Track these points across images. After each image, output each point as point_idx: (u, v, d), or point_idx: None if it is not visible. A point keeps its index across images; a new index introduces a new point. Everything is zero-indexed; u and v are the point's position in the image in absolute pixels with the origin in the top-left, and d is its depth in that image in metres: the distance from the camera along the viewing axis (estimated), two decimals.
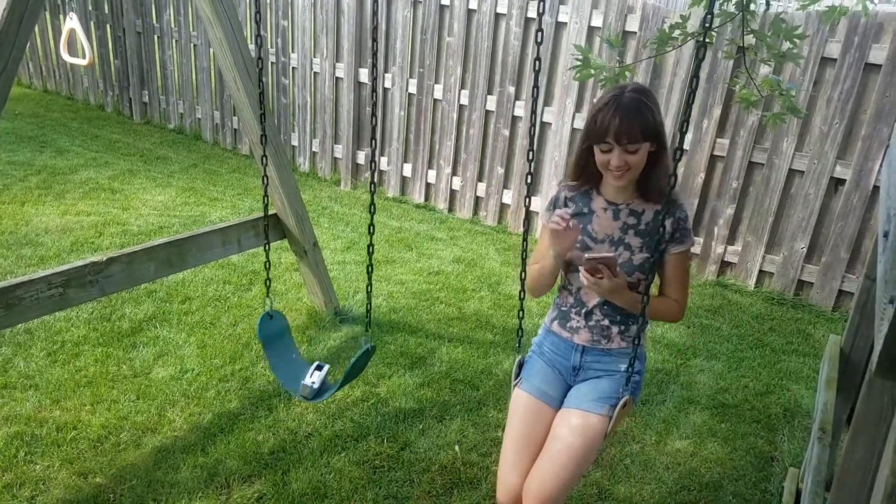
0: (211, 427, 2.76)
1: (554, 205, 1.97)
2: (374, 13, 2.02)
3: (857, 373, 2.26)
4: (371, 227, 2.22)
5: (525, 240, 1.98)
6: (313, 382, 2.50)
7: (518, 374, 2.06)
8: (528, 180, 1.96)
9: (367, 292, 2.35)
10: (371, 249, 2.24)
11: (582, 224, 1.90)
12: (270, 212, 3.39)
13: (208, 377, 3.06)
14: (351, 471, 2.59)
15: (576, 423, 1.84)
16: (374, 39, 2.06)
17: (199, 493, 2.42)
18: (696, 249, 4.62)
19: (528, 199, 1.95)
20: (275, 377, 2.79)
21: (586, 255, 1.75)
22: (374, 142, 2.15)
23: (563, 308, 2.02)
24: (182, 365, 3.13)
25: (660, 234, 1.69)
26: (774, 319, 4.15)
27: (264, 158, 2.59)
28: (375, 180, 2.22)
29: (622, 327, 1.93)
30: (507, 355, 3.44)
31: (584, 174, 1.90)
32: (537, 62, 1.80)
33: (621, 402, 1.81)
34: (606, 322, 1.93)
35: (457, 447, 2.77)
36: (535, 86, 1.86)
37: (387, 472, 2.61)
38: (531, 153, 1.96)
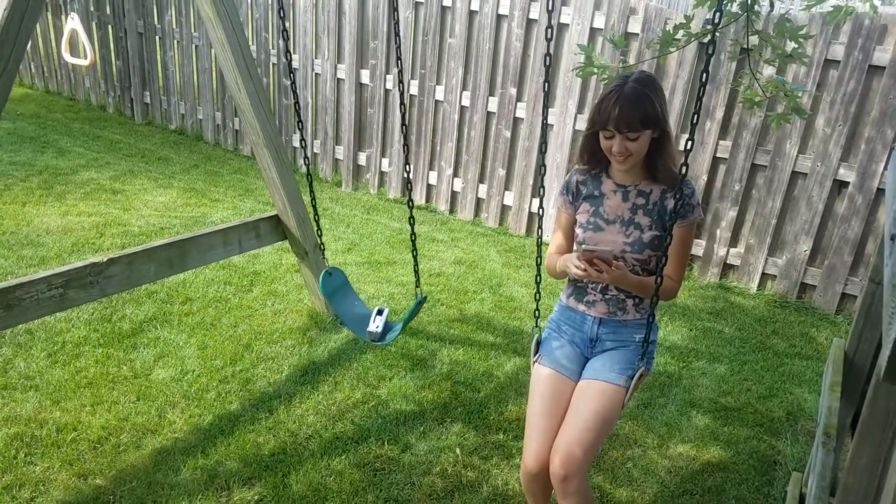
0: (211, 429, 2.75)
1: (566, 188, 2.11)
2: (394, 9, 2.08)
3: (861, 377, 2.24)
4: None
5: (540, 229, 2.17)
6: (377, 326, 2.78)
7: (537, 351, 2.16)
8: (543, 171, 2.11)
9: (413, 254, 2.82)
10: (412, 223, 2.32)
11: (593, 206, 2.03)
12: (271, 213, 3.39)
13: (209, 378, 3.05)
14: (351, 473, 2.58)
15: (595, 393, 1.95)
16: (397, 34, 2.07)
17: (200, 495, 2.41)
18: (699, 251, 4.60)
19: (541, 197, 2.13)
20: (343, 326, 3.19)
21: (584, 246, 1.89)
22: (404, 132, 2.19)
23: (579, 284, 2.11)
24: (182, 366, 3.11)
25: (668, 215, 1.85)
26: (777, 322, 4.13)
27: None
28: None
29: (636, 300, 2.04)
30: (508, 357, 3.43)
31: (593, 158, 2.02)
32: (547, 57, 1.96)
33: (638, 373, 1.96)
34: (622, 295, 2.04)
35: (458, 450, 2.75)
36: (546, 80, 2.01)
37: (387, 475, 2.59)
38: (543, 154, 2.12)
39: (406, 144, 2.37)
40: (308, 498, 2.45)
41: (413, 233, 2.80)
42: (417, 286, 2.88)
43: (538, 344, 2.18)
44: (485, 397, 3.10)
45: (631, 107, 1.81)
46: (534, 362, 2.13)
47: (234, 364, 3.17)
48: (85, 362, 3.08)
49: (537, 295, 2.29)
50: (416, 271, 2.88)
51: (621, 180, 2.01)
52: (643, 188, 1.99)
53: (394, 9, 2.23)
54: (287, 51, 2.52)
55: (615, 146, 1.88)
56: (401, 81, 2.18)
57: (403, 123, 2.39)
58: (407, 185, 2.43)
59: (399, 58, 2.18)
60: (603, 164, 2.03)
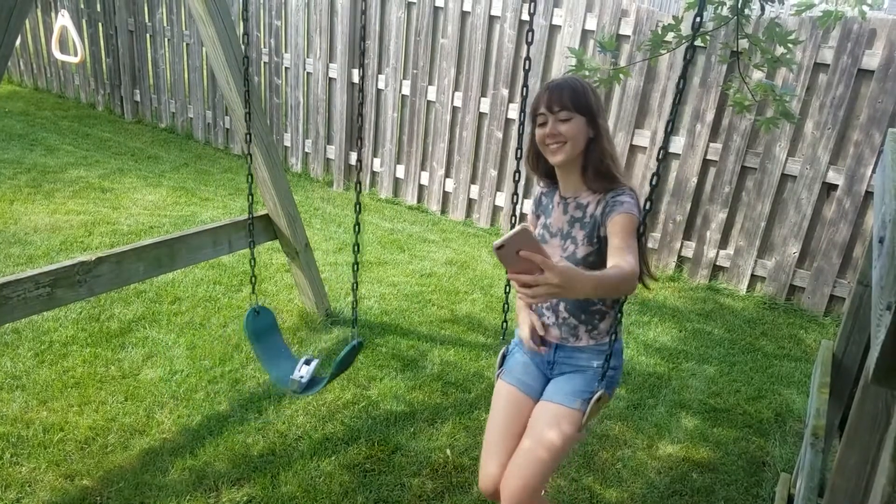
0: (200, 429, 2.73)
1: (533, 201, 2.07)
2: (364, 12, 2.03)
3: (849, 378, 2.26)
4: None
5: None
6: (302, 377, 2.53)
7: (501, 365, 2.11)
8: (517, 177, 2.01)
9: (353, 290, 2.44)
10: (357, 249, 2.26)
11: (545, 219, 1.97)
12: (262, 212, 3.37)
13: (197, 379, 3.03)
14: (341, 474, 2.57)
15: (550, 417, 1.88)
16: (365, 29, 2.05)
17: (188, 496, 2.39)
18: (689, 253, 4.62)
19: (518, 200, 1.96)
20: (265, 373, 2.82)
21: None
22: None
23: (543, 304, 2.01)
24: (171, 366, 3.10)
25: (593, 220, 1.79)
26: (766, 324, 4.15)
27: (248, 136, 2.57)
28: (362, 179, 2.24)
29: (588, 326, 1.92)
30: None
31: (539, 169, 1.97)
32: (527, 62, 1.89)
33: (595, 396, 1.84)
34: (573, 321, 1.93)
35: (448, 450, 2.75)
36: (525, 84, 1.92)
37: (377, 476, 2.59)
38: (518, 160, 2.02)
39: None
40: (297, 499, 2.43)
41: (356, 262, 2.43)
42: (354, 326, 2.55)
43: (503, 357, 2.12)
44: (475, 398, 3.10)
45: (561, 87, 1.79)
46: (497, 376, 2.08)
47: (224, 364, 3.16)
48: (72, 362, 3.05)
49: (505, 306, 2.21)
50: (355, 307, 2.51)
51: (564, 192, 1.92)
52: (581, 200, 1.87)
53: (362, 11, 2.16)
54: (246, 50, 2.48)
55: (548, 129, 1.80)
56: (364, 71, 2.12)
57: (360, 114, 2.19)
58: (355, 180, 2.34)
59: (363, 52, 2.10)
60: (554, 176, 1.96)
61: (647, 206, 1.66)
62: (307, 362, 2.58)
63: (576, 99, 1.78)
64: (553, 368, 2.00)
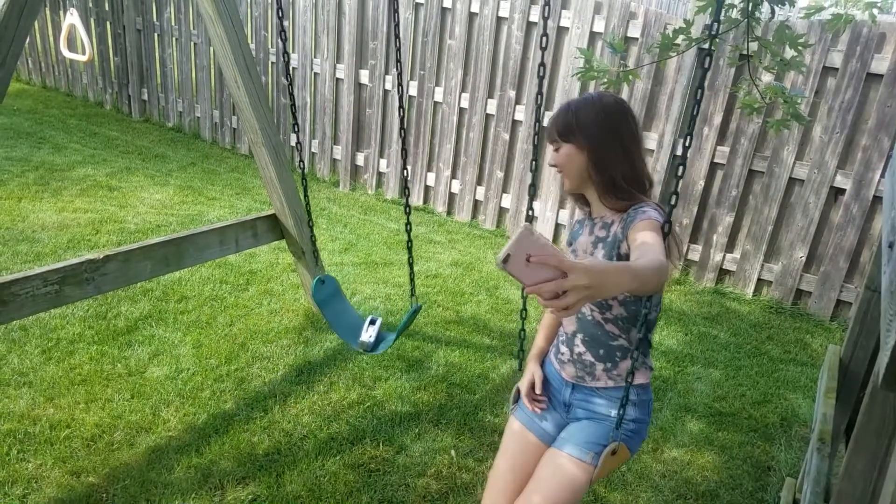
0: (205, 427, 2.74)
1: (569, 233, 1.95)
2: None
3: (856, 383, 2.25)
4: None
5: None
6: (370, 336, 2.78)
7: (516, 400, 1.96)
8: (531, 180, 1.98)
9: (409, 262, 2.85)
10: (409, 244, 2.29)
11: (573, 239, 1.84)
12: (269, 212, 3.38)
13: (203, 377, 3.04)
14: (346, 474, 2.58)
15: (557, 469, 1.73)
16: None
17: (193, 494, 2.40)
18: (695, 256, 4.61)
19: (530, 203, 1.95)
20: (336, 335, 3.07)
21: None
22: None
23: (559, 336, 1.88)
24: (177, 364, 3.10)
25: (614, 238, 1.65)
26: (772, 328, 4.14)
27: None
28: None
29: (607, 364, 1.73)
30: (504, 360, 3.43)
31: (574, 195, 1.87)
32: (541, 68, 1.86)
33: (609, 450, 1.67)
34: (589, 357, 1.75)
35: (453, 452, 2.75)
36: (540, 92, 1.91)
37: (382, 476, 2.59)
38: (535, 161, 2.01)
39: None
40: (302, 498, 2.44)
41: (409, 240, 2.84)
42: (413, 295, 2.83)
43: (518, 391, 1.95)
44: (480, 399, 3.10)
45: (557, 115, 1.75)
46: (511, 410, 1.94)
47: (230, 363, 3.17)
48: (79, 359, 3.06)
49: (521, 333, 2.10)
50: (413, 279, 2.83)
51: (593, 213, 1.81)
52: (606, 219, 1.74)
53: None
54: (285, 51, 2.51)
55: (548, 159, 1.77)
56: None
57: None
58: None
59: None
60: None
61: (668, 226, 1.54)
62: (372, 322, 2.83)
63: (563, 129, 1.72)
64: (569, 411, 1.83)
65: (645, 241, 1.50)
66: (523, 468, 1.82)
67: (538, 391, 1.87)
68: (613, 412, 1.72)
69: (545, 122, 4.80)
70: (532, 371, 1.90)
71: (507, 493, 1.82)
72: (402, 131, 2.81)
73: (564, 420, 1.84)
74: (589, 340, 1.74)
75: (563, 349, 1.81)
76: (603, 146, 1.70)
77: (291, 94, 2.83)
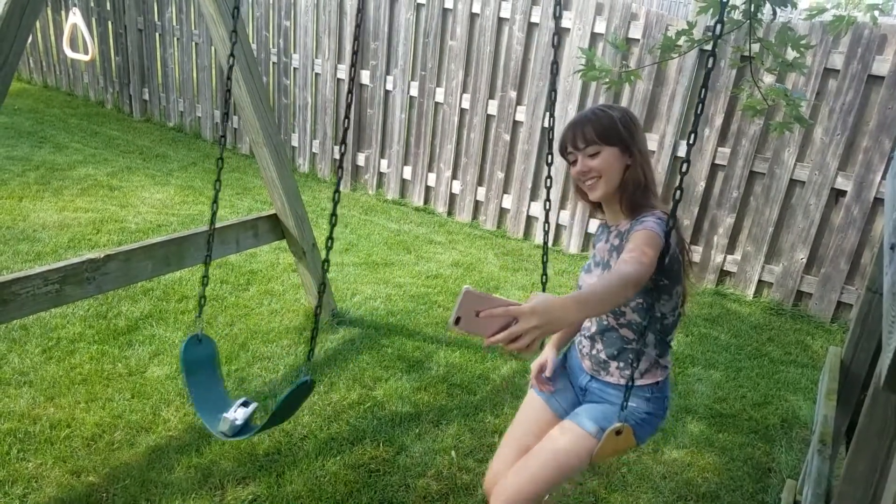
0: (206, 427, 2.74)
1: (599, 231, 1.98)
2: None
3: (857, 385, 2.25)
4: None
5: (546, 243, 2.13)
6: (235, 418, 2.20)
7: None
8: (549, 184, 2.04)
9: (316, 314, 2.12)
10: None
11: (593, 248, 1.92)
12: (269, 212, 3.38)
13: None
14: (346, 474, 2.57)
15: (563, 433, 1.81)
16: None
17: (193, 494, 2.40)
18: (696, 258, 4.61)
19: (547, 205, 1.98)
20: (196, 411, 2.39)
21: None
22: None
23: (582, 331, 1.96)
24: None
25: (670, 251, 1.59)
26: (773, 329, 4.14)
27: (222, 140, 2.58)
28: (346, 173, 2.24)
29: (621, 363, 1.81)
30: (504, 361, 3.43)
31: (588, 201, 1.88)
32: (554, 66, 1.94)
33: (614, 428, 1.70)
34: (604, 356, 1.84)
35: (453, 452, 2.75)
36: (553, 89, 2.00)
37: (382, 477, 2.59)
38: (549, 166, 2.08)
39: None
40: (302, 498, 2.44)
41: (319, 303, 2.14)
42: (309, 358, 2.06)
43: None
44: (480, 400, 3.10)
45: (583, 122, 1.74)
46: (531, 385, 2.04)
47: (230, 363, 3.16)
48: (80, 359, 3.06)
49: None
50: (315, 331, 2.07)
51: (609, 221, 1.86)
52: (621, 227, 1.78)
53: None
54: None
55: (578, 167, 1.75)
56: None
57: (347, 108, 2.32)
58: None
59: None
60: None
61: (671, 225, 1.54)
62: (245, 404, 2.28)
63: (601, 131, 1.72)
64: (585, 395, 1.93)
65: (623, 258, 1.55)
66: (534, 435, 1.91)
67: (548, 374, 1.97)
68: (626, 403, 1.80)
69: (556, 122, 4.81)
70: (546, 355, 2.00)
71: (514, 453, 1.92)
72: (347, 111, 2.64)
73: (580, 402, 1.95)
74: (606, 340, 1.83)
75: (585, 342, 1.91)
76: (639, 151, 1.76)
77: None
